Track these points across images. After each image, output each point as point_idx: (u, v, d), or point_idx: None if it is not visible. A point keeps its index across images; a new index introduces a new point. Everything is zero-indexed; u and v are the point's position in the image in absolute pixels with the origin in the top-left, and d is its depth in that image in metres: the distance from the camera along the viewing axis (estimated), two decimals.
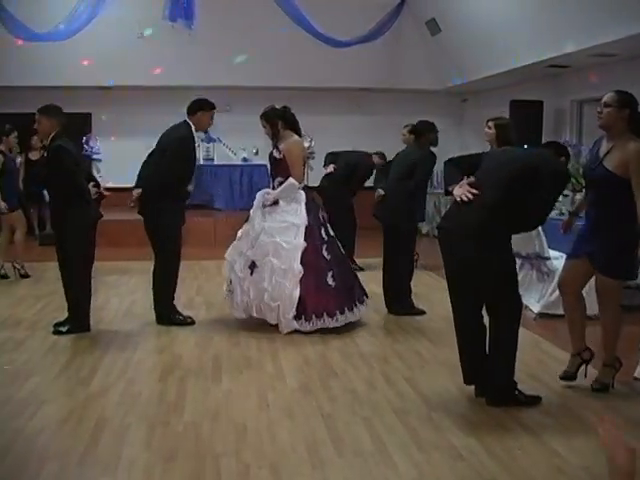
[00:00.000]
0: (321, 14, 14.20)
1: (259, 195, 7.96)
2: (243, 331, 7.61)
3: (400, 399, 5.67)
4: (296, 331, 7.42)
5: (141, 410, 5.44)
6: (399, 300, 8.40)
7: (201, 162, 15.57)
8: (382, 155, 11.46)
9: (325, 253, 7.65)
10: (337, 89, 15.73)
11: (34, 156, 12.63)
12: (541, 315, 8.04)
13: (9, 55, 14.16)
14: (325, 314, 7.45)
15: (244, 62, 14.74)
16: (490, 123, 7.88)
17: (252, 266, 7.63)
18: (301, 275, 7.41)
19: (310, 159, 14.20)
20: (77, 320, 7.46)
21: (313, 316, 7.41)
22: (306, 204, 7.72)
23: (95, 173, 14.31)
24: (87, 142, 14.16)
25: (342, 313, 7.56)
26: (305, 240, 7.52)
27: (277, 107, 7.98)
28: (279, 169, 7.85)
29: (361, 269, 11.17)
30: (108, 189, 14.90)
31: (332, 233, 7.94)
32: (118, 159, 14.99)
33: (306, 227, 7.59)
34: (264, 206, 7.74)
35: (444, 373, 6.30)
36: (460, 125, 16.76)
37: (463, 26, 13.15)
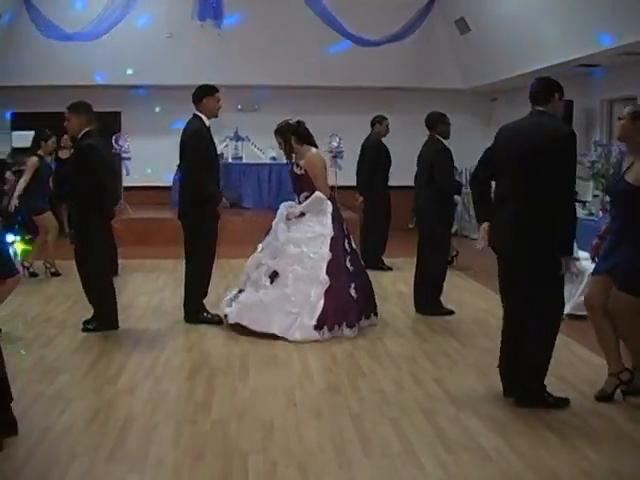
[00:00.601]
0: (350, 13, 14.17)
1: (282, 207, 7.96)
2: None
3: (428, 399, 5.65)
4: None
5: (169, 408, 5.46)
6: (428, 300, 8.35)
7: (229, 161, 15.61)
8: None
9: (348, 264, 7.64)
10: (365, 88, 15.69)
11: (64, 155, 12.69)
12: (570, 316, 7.96)
13: (40, 55, 14.25)
14: (345, 324, 7.42)
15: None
16: None
17: (273, 275, 7.60)
18: (327, 285, 7.39)
19: (338, 158, 14.20)
20: (103, 318, 7.50)
21: (335, 326, 7.37)
22: (332, 214, 7.71)
23: (124, 172, 14.41)
24: (117, 141, 14.21)
25: (358, 323, 7.57)
26: (330, 250, 7.52)
27: (290, 122, 7.94)
28: (302, 184, 7.83)
29: (389, 269, 11.14)
30: (136, 187, 15.21)
31: (354, 245, 7.94)
32: (147, 158, 15.09)
33: (331, 238, 7.58)
34: (288, 219, 7.75)
35: (472, 374, 6.27)
36: (488, 125, 16.62)
37: (492, 25, 13.07)
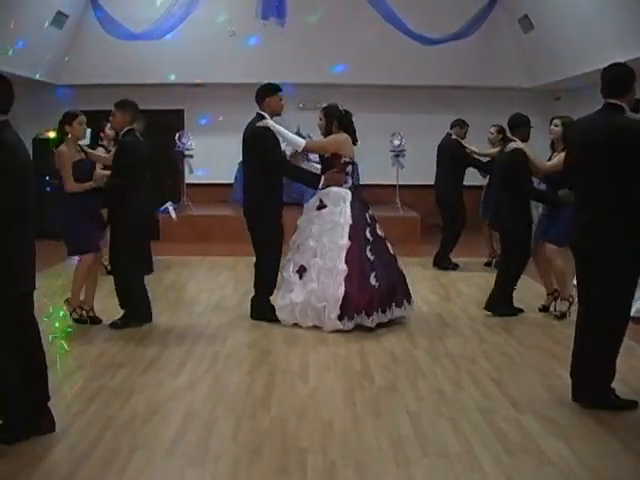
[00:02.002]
0: (412, 11, 14.10)
1: (307, 205, 8.06)
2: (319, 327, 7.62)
3: (487, 400, 5.60)
4: (339, 330, 7.42)
5: (228, 403, 5.51)
6: (500, 299, 8.24)
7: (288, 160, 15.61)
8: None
9: (369, 253, 7.61)
10: (427, 87, 15.59)
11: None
12: (634, 320, 7.82)
13: (106, 54, 14.47)
14: (364, 312, 7.44)
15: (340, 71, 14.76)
16: (556, 121, 7.78)
17: (301, 270, 7.71)
18: (345, 274, 7.43)
19: (400, 157, 14.15)
20: (133, 313, 7.62)
21: (355, 314, 7.42)
22: (351, 203, 7.73)
23: (186, 169, 14.54)
24: (179, 138, 14.35)
25: (377, 313, 7.55)
26: (349, 239, 7.55)
27: (341, 108, 7.98)
28: (329, 167, 7.87)
29: (455, 266, 11.05)
30: (198, 185, 15.35)
31: (381, 233, 7.92)
32: (209, 155, 15.22)
33: (350, 226, 7.60)
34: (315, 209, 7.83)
35: (532, 375, 6.20)
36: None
37: (556, 23, 12.88)
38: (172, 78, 14.89)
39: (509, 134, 8.16)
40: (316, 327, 7.56)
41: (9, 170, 4.32)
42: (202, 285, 10.01)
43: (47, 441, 4.72)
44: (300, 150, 7.98)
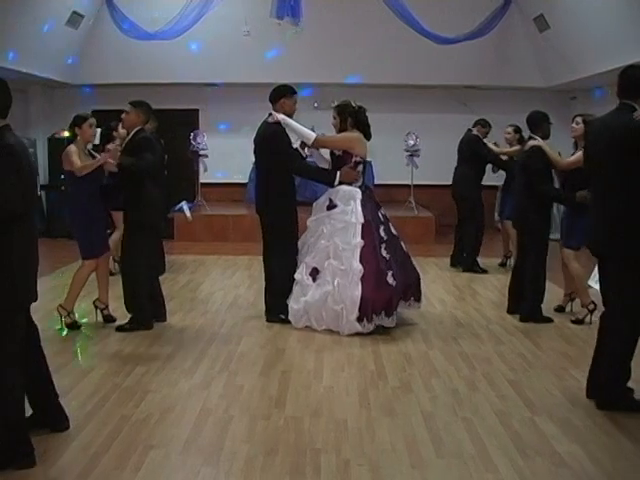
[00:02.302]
0: (428, 11, 14.08)
1: (316, 205, 8.03)
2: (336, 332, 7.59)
3: (502, 401, 5.58)
4: (358, 333, 7.37)
5: (243, 403, 5.51)
6: (529, 303, 8.10)
7: (302, 157, 15.61)
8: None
9: (384, 252, 7.55)
10: (441, 86, 15.58)
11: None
12: None
13: (121, 53, 14.54)
14: (383, 313, 7.40)
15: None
16: (578, 118, 7.71)
17: (314, 273, 7.65)
18: (361, 274, 7.36)
19: (415, 157, 14.12)
20: (138, 317, 7.56)
21: (373, 316, 7.36)
22: (362, 201, 7.67)
23: (201, 169, 14.57)
24: (194, 138, 14.38)
25: (396, 313, 7.55)
26: (362, 238, 7.49)
27: (353, 104, 7.92)
28: (340, 165, 7.83)
29: (484, 271, 10.95)
30: (213, 184, 15.39)
31: (394, 232, 7.88)
32: (224, 155, 15.25)
33: (362, 225, 7.54)
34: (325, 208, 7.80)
35: (548, 377, 6.18)
36: (568, 124, 16.33)
37: (572, 22, 12.81)
38: (187, 78, 14.92)
39: (529, 132, 8.10)
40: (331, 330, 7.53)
41: (9, 172, 4.21)
42: (217, 284, 10.03)
43: (62, 439, 4.75)
44: (310, 144, 7.92)
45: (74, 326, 7.52)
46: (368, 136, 7.92)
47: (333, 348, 6.99)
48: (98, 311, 7.75)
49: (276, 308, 7.89)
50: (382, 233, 7.66)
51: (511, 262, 11.06)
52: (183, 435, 4.86)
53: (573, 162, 7.53)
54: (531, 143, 7.83)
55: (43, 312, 7.34)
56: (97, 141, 9.02)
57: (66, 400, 4.97)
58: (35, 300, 4.54)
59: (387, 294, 7.38)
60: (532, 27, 14.44)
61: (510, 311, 8.29)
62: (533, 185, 7.75)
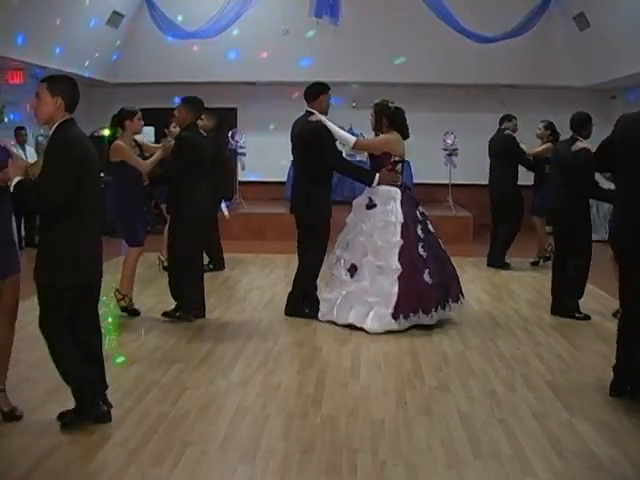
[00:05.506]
0: (467, 10, 14.01)
1: (355, 203, 8.02)
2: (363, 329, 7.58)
3: (540, 403, 5.55)
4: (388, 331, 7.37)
5: (280, 401, 5.54)
6: (568, 301, 8.10)
7: (343, 154, 15.61)
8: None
9: (421, 250, 7.57)
10: (480, 86, 15.49)
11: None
12: None
13: (160, 52, 14.66)
14: (420, 310, 7.40)
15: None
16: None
17: (352, 269, 7.67)
18: (399, 272, 7.38)
19: (453, 156, 14.07)
20: (185, 306, 7.72)
21: (410, 314, 7.36)
22: (401, 201, 7.68)
23: (239, 167, 14.63)
24: (233, 136, 14.43)
25: (436, 310, 7.52)
26: (401, 237, 7.50)
27: (391, 104, 7.90)
28: (378, 166, 7.82)
29: (507, 265, 10.93)
30: (251, 182, 15.45)
31: (432, 230, 7.88)
32: (262, 153, 15.30)
33: (401, 224, 7.55)
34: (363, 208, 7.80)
35: (586, 378, 6.13)
36: (607, 124, 16.12)
37: (613, 20, 12.69)
38: (225, 76, 14.99)
39: (572, 133, 8.03)
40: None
41: (68, 164, 4.51)
42: (254, 282, 10.06)
43: (101, 433, 4.81)
44: (350, 147, 7.95)
45: (129, 311, 7.87)
46: (405, 136, 7.91)
47: (370, 347, 6.99)
48: (116, 300, 7.95)
49: (297, 303, 7.98)
50: (419, 232, 7.67)
51: (543, 261, 11.00)
52: (220, 432, 4.89)
53: None
54: (580, 145, 7.75)
55: None
56: (145, 137, 9.14)
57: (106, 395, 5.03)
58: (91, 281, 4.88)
59: (424, 292, 7.41)
60: (572, 25, 14.30)
61: (553, 312, 8.24)
62: (581, 184, 7.66)
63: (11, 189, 4.59)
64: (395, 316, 7.33)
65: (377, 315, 7.40)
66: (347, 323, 7.54)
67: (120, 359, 6.49)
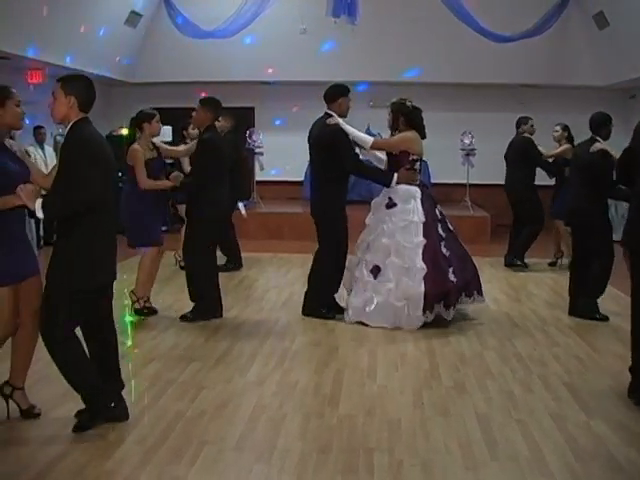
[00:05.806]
0: (485, 9, 13.96)
1: (374, 203, 8.03)
2: (398, 327, 7.59)
3: (557, 404, 5.52)
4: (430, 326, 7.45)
5: (297, 400, 5.54)
6: (586, 301, 8.04)
7: (360, 157, 15.60)
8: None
9: (444, 249, 7.59)
10: (498, 85, 15.44)
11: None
12: None
13: (178, 52, 14.70)
14: (442, 304, 7.45)
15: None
16: None
17: (375, 270, 7.66)
18: (424, 272, 7.39)
19: (471, 156, 14.03)
20: (202, 308, 7.75)
21: (435, 305, 7.43)
22: (421, 199, 7.68)
23: (257, 167, 14.64)
24: (250, 136, 14.45)
25: (454, 307, 7.57)
26: (424, 237, 7.52)
27: (408, 103, 7.89)
28: (396, 165, 7.82)
29: (525, 265, 10.91)
30: (269, 182, 15.47)
31: (451, 227, 7.90)
32: (279, 153, 15.31)
33: (423, 224, 7.57)
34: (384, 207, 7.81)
35: (604, 380, 6.09)
36: (626, 123, 16.03)
37: (633, 19, 12.61)
38: (243, 76, 15.01)
39: (591, 133, 7.99)
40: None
41: (83, 164, 4.51)
42: (271, 282, 10.08)
43: (118, 432, 4.82)
44: (368, 147, 7.94)
45: (144, 312, 7.86)
46: (423, 136, 7.90)
47: (387, 347, 6.98)
48: (131, 302, 7.94)
49: (315, 304, 7.99)
50: (440, 230, 7.70)
51: (561, 262, 10.96)
52: (237, 432, 4.90)
53: None
54: (599, 146, 7.71)
55: None
56: (164, 138, 9.16)
57: (123, 394, 5.04)
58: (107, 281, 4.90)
59: (448, 289, 7.46)
60: (591, 24, 14.22)
61: (571, 313, 8.20)
62: (600, 185, 7.62)
63: (39, 215, 4.53)
64: (423, 312, 7.41)
65: (407, 317, 7.45)
66: (380, 327, 7.55)
67: (138, 357, 6.50)
